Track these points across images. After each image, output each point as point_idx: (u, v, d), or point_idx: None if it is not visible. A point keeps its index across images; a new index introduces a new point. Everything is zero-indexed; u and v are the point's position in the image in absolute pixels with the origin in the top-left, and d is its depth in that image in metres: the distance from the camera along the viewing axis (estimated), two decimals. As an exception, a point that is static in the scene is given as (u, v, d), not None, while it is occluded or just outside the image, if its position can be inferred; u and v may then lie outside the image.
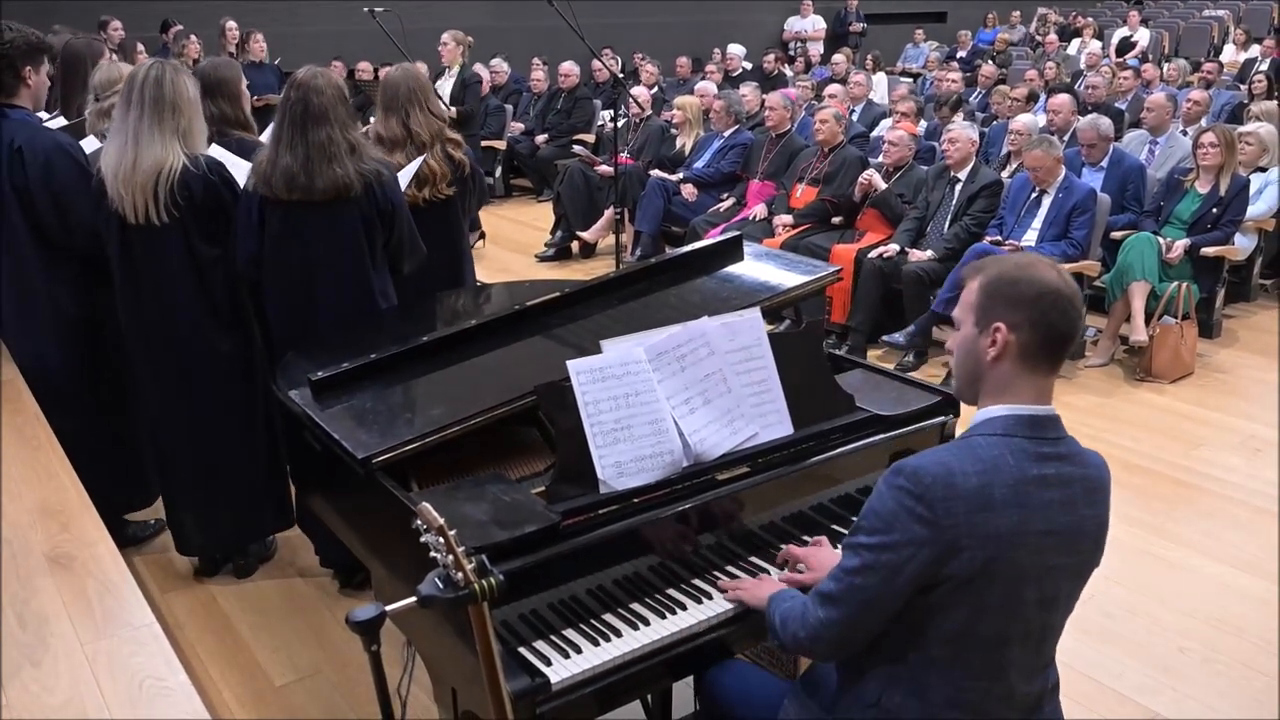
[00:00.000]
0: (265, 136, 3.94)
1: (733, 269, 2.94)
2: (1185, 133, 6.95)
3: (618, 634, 1.98)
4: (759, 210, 6.66)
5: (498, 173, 10.00)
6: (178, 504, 3.50)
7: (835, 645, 1.72)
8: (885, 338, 5.72)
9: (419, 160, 3.56)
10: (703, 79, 10.28)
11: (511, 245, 8.41)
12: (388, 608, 1.68)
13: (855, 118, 8.72)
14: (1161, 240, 5.61)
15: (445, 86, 8.75)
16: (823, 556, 2.07)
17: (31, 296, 3.41)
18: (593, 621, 2.02)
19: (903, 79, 11.87)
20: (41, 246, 3.38)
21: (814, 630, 1.71)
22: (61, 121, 4.05)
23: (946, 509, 1.58)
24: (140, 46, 9.75)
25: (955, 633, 1.64)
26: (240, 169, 3.33)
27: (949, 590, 1.61)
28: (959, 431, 1.85)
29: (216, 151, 3.43)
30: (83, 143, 3.62)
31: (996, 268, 1.71)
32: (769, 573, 2.17)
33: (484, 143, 9.47)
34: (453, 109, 8.45)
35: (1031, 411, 1.68)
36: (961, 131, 5.82)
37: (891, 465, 1.66)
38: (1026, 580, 1.64)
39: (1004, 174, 6.28)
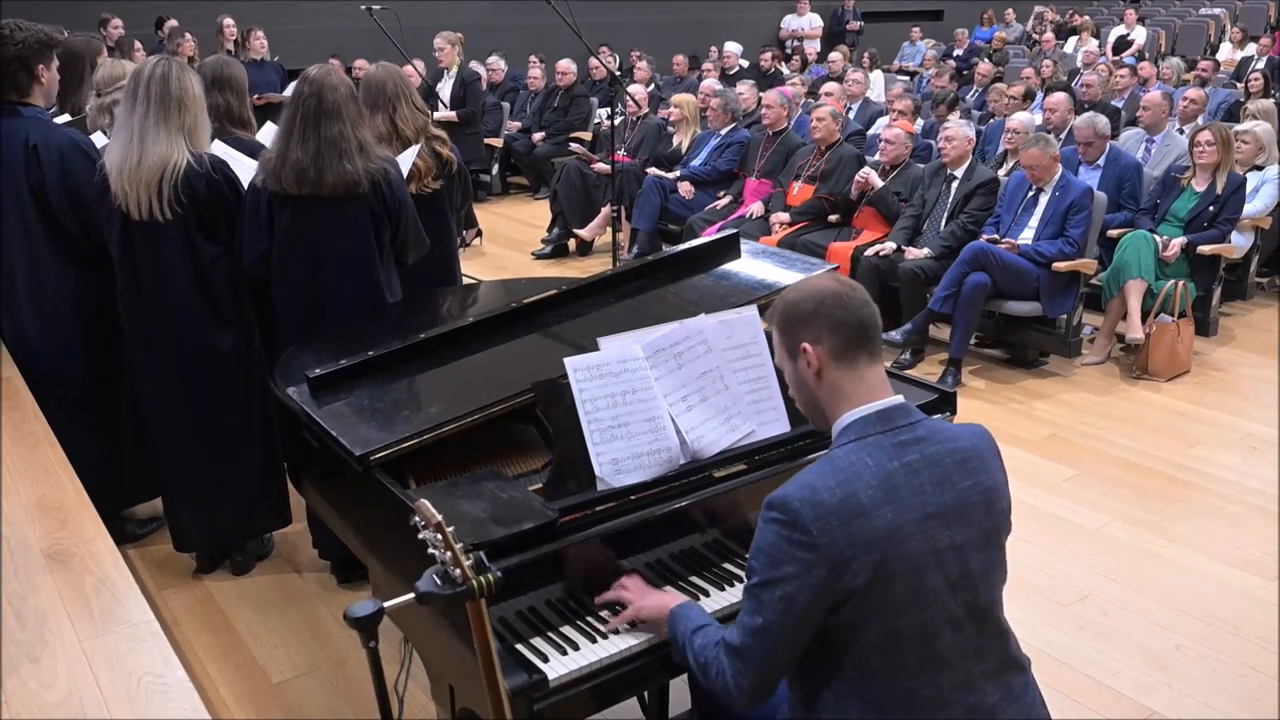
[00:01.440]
0: (262, 135, 3.96)
1: (730, 267, 2.94)
2: (1182, 131, 6.94)
3: (615, 631, 1.98)
4: (756, 208, 6.67)
5: (494, 170, 9.99)
6: (176, 501, 3.50)
7: (755, 693, 1.71)
8: (882, 335, 5.71)
9: (415, 148, 3.57)
10: (699, 77, 10.27)
11: (508, 243, 8.41)
12: (385, 604, 1.69)
13: (852, 116, 8.72)
14: (1158, 238, 5.61)
15: (445, 88, 8.70)
16: None
17: (48, 294, 3.41)
18: (590, 618, 2.02)
19: (899, 77, 11.86)
20: (56, 244, 3.39)
21: (734, 683, 1.70)
22: (66, 118, 4.05)
23: (822, 528, 1.60)
24: (138, 44, 9.75)
25: (879, 641, 1.64)
26: (243, 167, 3.33)
27: (855, 604, 1.62)
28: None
29: (220, 149, 3.43)
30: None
31: (780, 303, 1.82)
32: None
33: (484, 140, 9.46)
34: (453, 113, 8.44)
35: (878, 407, 1.73)
36: (958, 129, 5.83)
37: (764, 500, 1.67)
38: (925, 569, 1.64)
39: (1000, 172, 6.27)
